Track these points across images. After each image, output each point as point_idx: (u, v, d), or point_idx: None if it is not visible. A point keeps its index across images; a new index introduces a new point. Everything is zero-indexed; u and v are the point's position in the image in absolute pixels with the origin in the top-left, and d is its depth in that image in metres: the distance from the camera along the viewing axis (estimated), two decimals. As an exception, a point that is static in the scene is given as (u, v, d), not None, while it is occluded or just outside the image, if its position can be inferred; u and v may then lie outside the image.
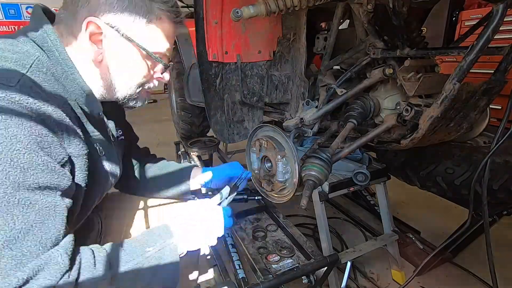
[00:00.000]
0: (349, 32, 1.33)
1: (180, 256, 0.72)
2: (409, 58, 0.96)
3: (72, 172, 0.62)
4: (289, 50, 1.38)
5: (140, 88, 0.77)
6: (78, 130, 0.64)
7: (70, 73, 0.65)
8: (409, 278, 1.12)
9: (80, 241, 0.67)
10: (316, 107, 1.28)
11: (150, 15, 0.67)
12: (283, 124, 1.38)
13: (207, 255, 1.19)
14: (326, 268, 1.09)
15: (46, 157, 0.55)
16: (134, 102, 0.79)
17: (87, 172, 0.66)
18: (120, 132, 0.91)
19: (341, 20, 1.18)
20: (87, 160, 0.66)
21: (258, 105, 1.45)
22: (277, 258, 1.11)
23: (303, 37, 1.26)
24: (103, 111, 0.75)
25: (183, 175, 1.06)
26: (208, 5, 1.18)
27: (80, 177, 0.65)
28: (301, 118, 1.26)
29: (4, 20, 5.43)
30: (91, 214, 0.85)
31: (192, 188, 1.06)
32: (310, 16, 1.25)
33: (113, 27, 0.65)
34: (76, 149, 0.62)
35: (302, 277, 1.10)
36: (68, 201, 0.60)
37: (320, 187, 1.31)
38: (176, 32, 0.75)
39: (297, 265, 1.06)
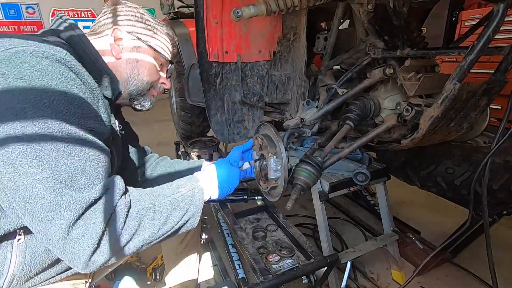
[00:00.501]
0: (349, 32, 1.33)
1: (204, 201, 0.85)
2: (409, 58, 0.96)
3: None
4: (289, 50, 1.38)
5: (150, 87, 0.92)
6: (105, 112, 0.74)
7: (96, 62, 0.76)
8: (409, 278, 1.12)
9: None
10: (317, 107, 1.28)
11: (156, 31, 0.90)
12: (283, 124, 1.38)
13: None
14: (326, 268, 1.09)
15: (96, 112, 0.69)
16: (143, 99, 0.94)
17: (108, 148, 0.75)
18: (120, 127, 0.97)
19: (341, 20, 1.18)
20: (111, 138, 0.77)
21: (258, 105, 1.45)
22: (277, 258, 1.11)
23: (303, 37, 1.26)
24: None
25: (194, 170, 1.10)
26: (208, 5, 1.18)
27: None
28: (302, 118, 1.26)
29: (4, 20, 5.43)
30: None
31: None
32: (310, 16, 1.25)
33: (130, 33, 0.85)
34: (102, 125, 0.72)
35: (302, 277, 1.10)
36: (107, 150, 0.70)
37: (320, 187, 1.31)
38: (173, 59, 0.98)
39: (297, 265, 1.06)
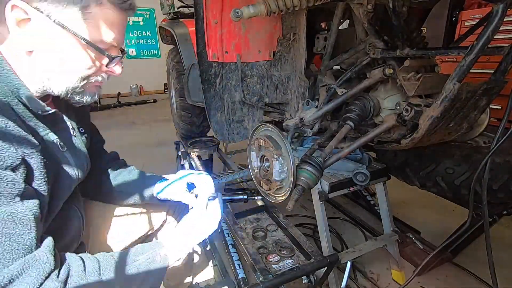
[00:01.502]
0: (349, 32, 1.33)
1: (177, 261, 0.76)
2: (409, 58, 0.96)
3: (29, 171, 0.60)
4: (289, 50, 1.38)
5: (85, 82, 0.69)
6: (24, 128, 0.59)
7: (1, 69, 0.59)
8: (409, 278, 1.12)
9: (59, 238, 0.69)
10: (316, 107, 1.28)
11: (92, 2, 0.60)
12: (283, 124, 1.38)
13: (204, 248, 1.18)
14: (326, 268, 1.09)
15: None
16: (80, 96, 0.71)
17: (45, 170, 0.63)
18: (82, 130, 0.86)
19: (341, 20, 1.18)
20: (42, 157, 0.62)
21: (258, 105, 1.45)
22: (277, 258, 1.11)
23: (303, 37, 1.26)
24: (61, 107, 0.73)
25: (150, 182, 1.01)
26: (208, 5, 1.18)
27: (39, 175, 0.62)
28: (301, 118, 1.26)
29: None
30: (69, 212, 0.82)
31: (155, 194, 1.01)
32: (310, 16, 1.25)
33: (42, 12, 0.58)
34: (27, 147, 0.58)
35: (302, 277, 1.10)
36: (31, 203, 0.57)
37: (320, 187, 1.31)
38: (125, 19, 0.68)
39: (297, 265, 1.06)
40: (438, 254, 1.22)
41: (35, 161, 0.60)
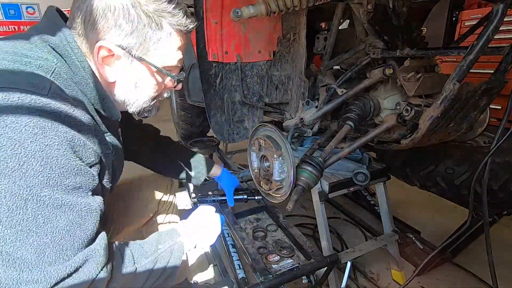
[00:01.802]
0: (349, 32, 1.33)
1: (187, 252, 0.82)
2: (409, 58, 0.96)
3: (102, 170, 0.67)
4: (289, 50, 1.38)
5: (155, 101, 0.79)
6: (101, 132, 0.68)
7: (91, 81, 0.65)
8: (409, 278, 1.12)
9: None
10: (316, 107, 1.28)
11: (160, 32, 0.67)
12: (283, 124, 1.38)
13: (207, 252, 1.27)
14: (326, 268, 1.09)
15: (79, 161, 0.58)
16: (149, 112, 0.81)
17: (111, 169, 0.71)
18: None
19: (341, 20, 1.18)
20: (113, 158, 0.71)
21: (258, 105, 1.45)
22: (277, 258, 1.11)
23: (303, 37, 1.26)
24: None
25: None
26: (208, 5, 1.18)
27: (107, 175, 0.70)
28: (301, 118, 1.26)
29: (4, 20, 5.43)
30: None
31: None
32: (310, 16, 1.25)
33: (124, 49, 0.65)
34: (103, 148, 0.66)
35: (302, 277, 1.10)
36: (99, 199, 0.63)
37: (320, 187, 1.31)
38: (186, 40, 0.75)
39: (297, 265, 1.06)
40: (438, 254, 1.22)
41: (108, 161, 0.68)
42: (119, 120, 0.75)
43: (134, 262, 0.69)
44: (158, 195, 1.19)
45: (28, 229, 0.51)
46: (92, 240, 0.61)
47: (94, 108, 0.67)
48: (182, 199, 2.05)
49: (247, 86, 1.40)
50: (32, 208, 0.51)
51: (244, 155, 2.74)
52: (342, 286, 1.30)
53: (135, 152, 1.10)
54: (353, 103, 1.12)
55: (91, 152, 0.61)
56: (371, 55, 1.06)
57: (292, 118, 1.40)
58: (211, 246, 1.62)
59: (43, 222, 0.53)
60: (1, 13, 5.41)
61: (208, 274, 1.52)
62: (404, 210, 2.05)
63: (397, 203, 2.12)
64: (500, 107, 1.95)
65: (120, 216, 1.08)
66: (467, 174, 1.13)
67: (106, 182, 0.71)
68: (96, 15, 0.62)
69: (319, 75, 1.32)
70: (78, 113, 0.59)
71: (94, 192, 0.63)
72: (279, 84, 1.44)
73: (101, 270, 0.60)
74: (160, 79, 0.74)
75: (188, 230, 0.85)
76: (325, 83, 1.29)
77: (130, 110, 0.76)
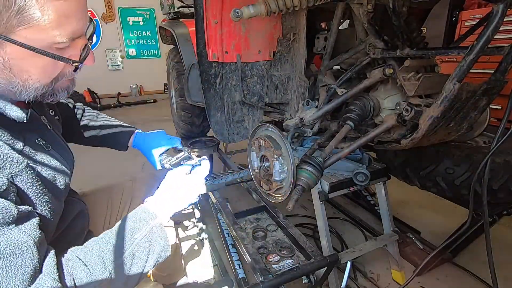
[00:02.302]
0: (349, 32, 1.33)
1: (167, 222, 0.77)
2: (409, 58, 0.96)
3: (20, 191, 0.56)
4: (289, 50, 1.38)
5: (53, 84, 0.62)
6: (5, 142, 0.55)
7: None
8: (409, 278, 1.12)
9: (69, 231, 0.71)
10: (316, 107, 1.28)
11: (29, 1, 0.49)
12: (283, 124, 1.38)
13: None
14: (326, 268, 1.09)
15: None
16: (53, 96, 0.65)
17: (39, 182, 0.60)
18: (52, 112, 0.81)
19: (341, 20, 1.18)
20: (32, 171, 0.58)
21: (258, 105, 1.45)
22: (277, 258, 1.11)
23: (303, 37, 1.26)
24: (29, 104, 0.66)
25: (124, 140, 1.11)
26: (208, 5, 1.18)
27: (35, 189, 0.59)
28: (301, 118, 1.26)
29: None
30: (73, 206, 0.84)
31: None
32: (310, 16, 1.25)
33: None
34: (12, 167, 0.54)
35: (302, 277, 1.10)
36: (28, 226, 0.54)
37: (320, 187, 1.31)
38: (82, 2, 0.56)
39: (297, 265, 1.06)
40: (438, 254, 1.22)
41: (26, 178, 0.57)
42: (38, 113, 0.64)
43: (105, 267, 0.60)
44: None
45: None
46: (37, 273, 0.52)
47: None
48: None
49: (247, 86, 1.40)
50: None
51: (244, 155, 2.74)
52: (342, 286, 1.30)
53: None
54: (353, 103, 1.12)
55: None
56: (371, 55, 1.06)
57: (292, 118, 1.40)
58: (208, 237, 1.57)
59: None
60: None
61: (208, 274, 1.52)
62: (404, 210, 2.05)
63: (397, 203, 2.12)
64: (500, 107, 1.95)
65: (111, 216, 1.07)
66: (467, 174, 1.13)
67: (39, 197, 0.60)
68: None
69: (319, 75, 1.32)
70: None
71: (20, 221, 0.53)
72: (279, 84, 1.44)
73: None
74: (46, 60, 0.56)
75: (160, 204, 0.76)
76: (325, 83, 1.29)
77: (24, 98, 0.60)
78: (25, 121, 0.59)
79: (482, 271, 1.46)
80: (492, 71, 0.92)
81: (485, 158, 0.86)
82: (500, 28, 0.72)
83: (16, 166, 0.55)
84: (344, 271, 1.31)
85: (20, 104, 0.63)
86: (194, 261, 1.60)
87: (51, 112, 0.81)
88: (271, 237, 1.25)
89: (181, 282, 1.29)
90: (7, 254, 0.48)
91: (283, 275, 1.01)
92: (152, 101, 6.44)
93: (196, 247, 1.71)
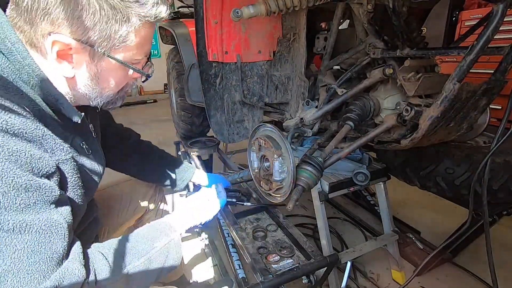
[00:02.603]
0: (349, 32, 1.33)
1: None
2: (409, 58, 0.96)
3: (63, 178, 0.60)
4: (289, 50, 1.38)
5: (119, 93, 0.73)
6: (58, 134, 0.60)
7: (39, 80, 0.57)
8: (409, 278, 1.12)
9: (86, 230, 0.75)
10: (316, 107, 1.28)
11: (126, 25, 0.59)
12: (283, 124, 1.38)
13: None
14: (326, 268, 1.09)
15: (27, 175, 0.51)
16: (113, 104, 0.75)
17: (78, 175, 0.64)
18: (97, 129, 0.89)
19: (341, 20, 1.18)
20: (75, 163, 0.64)
21: (258, 105, 1.45)
22: (277, 258, 1.11)
23: (303, 37, 1.26)
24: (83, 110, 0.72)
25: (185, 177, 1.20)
26: (208, 5, 1.18)
27: (73, 181, 0.63)
28: (301, 118, 1.26)
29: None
30: (91, 209, 0.87)
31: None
32: (310, 16, 1.25)
33: (85, 44, 0.57)
34: (61, 154, 0.59)
35: (302, 277, 1.10)
36: (65, 210, 0.58)
37: (320, 187, 1.31)
38: (154, 29, 0.69)
39: (297, 265, 1.06)
40: (438, 254, 1.22)
41: (69, 168, 0.62)
42: (88, 120, 0.70)
43: (124, 265, 0.65)
44: (148, 192, 1.20)
45: None
46: (65, 256, 0.56)
47: (45, 110, 0.59)
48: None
49: (247, 86, 1.40)
50: None
51: (244, 155, 2.74)
52: (342, 286, 1.30)
53: (115, 159, 1.05)
54: (353, 103, 1.12)
55: (42, 162, 0.54)
56: (371, 55, 1.06)
57: (292, 118, 1.40)
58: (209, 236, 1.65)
59: (10, 249, 0.48)
60: (1, 13, 5.39)
61: (208, 274, 1.52)
62: (404, 210, 2.05)
63: (397, 203, 2.12)
64: (500, 107, 1.95)
65: (111, 216, 1.07)
66: (467, 174, 1.13)
67: (74, 189, 0.64)
68: (47, 3, 0.52)
69: (319, 75, 1.32)
70: (18, 120, 0.51)
71: (59, 203, 0.57)
72: (279, 84, 1.44)
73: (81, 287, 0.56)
74: (125, 72, 0.68)
75: (180, 220, 0.86)
76: (325, 83, 1.29)
77: (93, 104, 0.69)
78: (78, 122, 0.65)
79: (482, 271, 1.47)
80: (492, 71, 0.92)
81: (485, 158, 0.86)
82: (500, 28, 0.72)
83: (65, 155, 0.60)
84: (344, 271, 1.31)
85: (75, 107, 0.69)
86: (194, 261, 1.60)
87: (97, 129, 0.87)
88: (271, 237, 1.25)
89: (181, 282, 1.29)
90: (43, 230, 0.52)
91: (283, 275, 1.01)
92: (152, 101, 6.44)
93: (196, 247, 1.71)
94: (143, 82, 0.78)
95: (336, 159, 1.00)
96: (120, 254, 0.66)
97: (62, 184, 0.60)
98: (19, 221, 0.49)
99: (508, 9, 0.71)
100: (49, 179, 0.56)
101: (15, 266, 0.48)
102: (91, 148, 0.74)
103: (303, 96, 1.36)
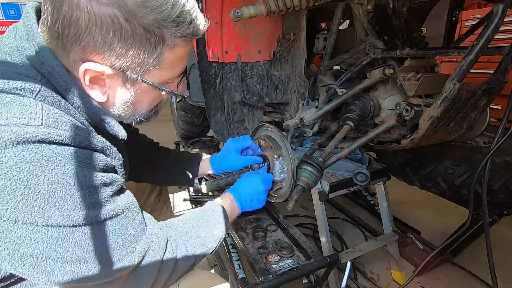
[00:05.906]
0: (349, 32, 1.33)
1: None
2: (409, 58, 0.96)
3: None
4: (289, 50, 1.38)
5: (153, 111, 0.73)
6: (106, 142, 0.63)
7: (86, 101, 0.58)
8: (409, 278, 1.12)
9: None
10: (316, 107, 1.28)
11: (161, 47, 0.56)
12: (283, 124, 1.38)
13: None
14: (326, 268, 1.09)
15: (102, 174, 0.56)
16: (146, 120, 0.75)
17: (123, 181, 0.68)
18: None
19: (341, 20, 1.18)
20: (123, 170, 0.69)
21: (258, 105, 1.45)
22: (277, 258, 1.11)
23: (303, 37, 1.26)
24: None
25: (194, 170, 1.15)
26: (208, 5, 1.18)
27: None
28: (301, 118, 1.26)
29: (4, 20, 5.43)
30: None
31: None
32: (310, 16, 1.25)
33: (118, 69, 0.56)
34: (116, 161, 0.64)
35: (302, 277, 1.10)
36: (129, 191, 0.65)
37: (320, 187, 1.31)
38: (191, 46, 0.67)
39: (297, 265, 1.06)
40: (438, 254, 1.22)
41: (120, 172, 0.67)
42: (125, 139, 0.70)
43: (185, 246, 0.70)
44: (153, 190, 1.20)
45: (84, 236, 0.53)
46: (145, 228, 0.64)
47: (95, 128, 0.61)
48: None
49: (247, 86, 1.40)
50: (93, 230, 0.53)
51: (244, 155, 2.74)
52: (342, 286, 1.30)
53: (138, 171, 1.02)
54: (353, 103, 1.12)
55: (107, 162, 0.59)
56: (371, 55, 1.06)
57: (292, 118, 1.40)
58: None
59: (108, 232, 0.55)
60: (1, 13, 5.41)
61: (208, 274, 1.51)
62: (404, 210, 2.05)
63: (397, 203, 2.12)
64: (500, 107, 1.95)
65: None
66: (467, 174, 1.13)
67: None
68: (78, 29, 0.50)
69: (319, 75, 1.32)
70: (84, 135, 0.54)
71: (125, 188, 0.64)
72: (279, 84, 1.43)
73: (166, 246, 0.64)
74: (159, 93, 0.68)
75: (232, 206, 0.89)
76: (325, 83, 1.29)
77: (126, 122, 0.70)
78: (125, 139, 0.67)
79: (482, 271, 1.46)
80: (492, 71, 0.92)
81: (485, 158, 0.86)
82: (500, 28, 0.73)
83: (118, 161, 0.65)
84: (344, 271, 1.31)
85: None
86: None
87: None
88: (271, 237, 1.25)
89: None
90: (127, 209, 0.60)
91: (283, 275, 1.01)
92: (152, 101, 6.43)
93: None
94: (177, 102, 0.80)
95: (336, 159, 1.00)
96: (182, 235, 0.72)
97: None
98: (108, 210, 0.55)
99: (508, 9, 0.72)
100: (114, 171, 0.63)
101: (115, 241, 0.56)
102: (124, 166, 0.78)
103: (303, 96, 1.36)
